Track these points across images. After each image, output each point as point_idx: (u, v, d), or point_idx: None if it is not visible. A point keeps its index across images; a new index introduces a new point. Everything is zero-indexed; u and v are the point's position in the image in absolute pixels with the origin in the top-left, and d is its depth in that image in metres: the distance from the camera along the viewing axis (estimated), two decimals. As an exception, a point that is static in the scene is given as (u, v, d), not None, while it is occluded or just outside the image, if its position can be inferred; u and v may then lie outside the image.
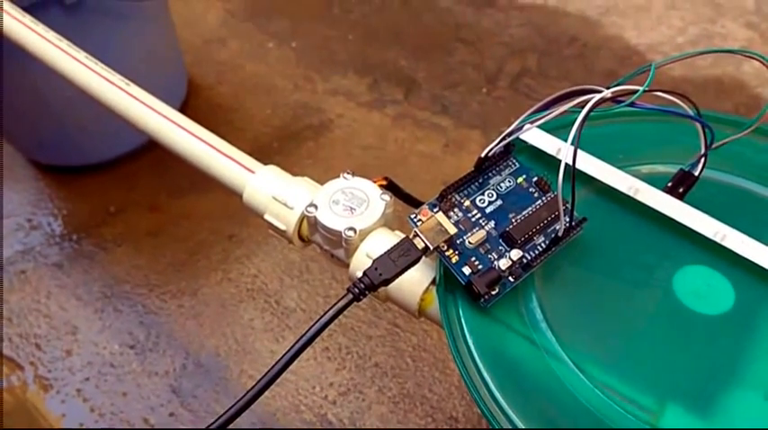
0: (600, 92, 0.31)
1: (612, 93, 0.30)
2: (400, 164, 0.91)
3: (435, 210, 0.30)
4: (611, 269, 0.31)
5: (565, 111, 0.31)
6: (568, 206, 0.31)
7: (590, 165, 0.33)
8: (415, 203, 0.36)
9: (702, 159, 0.31)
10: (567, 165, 0.28)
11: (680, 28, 1.06)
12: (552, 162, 0.34)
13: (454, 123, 0.96)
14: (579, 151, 0.34)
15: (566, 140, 0.35)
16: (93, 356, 0.75)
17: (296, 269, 0.80)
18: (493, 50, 1.05)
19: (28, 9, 0.63)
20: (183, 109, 0.97)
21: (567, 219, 0.30)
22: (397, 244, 0.28)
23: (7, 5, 0.49)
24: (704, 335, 0.28)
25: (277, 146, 0.94)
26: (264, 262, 0.81)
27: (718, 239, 0.30)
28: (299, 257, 0.81)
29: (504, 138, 0.31)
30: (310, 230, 0.33)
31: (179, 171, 0.91)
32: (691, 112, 0.31)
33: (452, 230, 0.29)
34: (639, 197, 0.32)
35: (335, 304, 0.27)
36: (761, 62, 0.33)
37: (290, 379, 0.71)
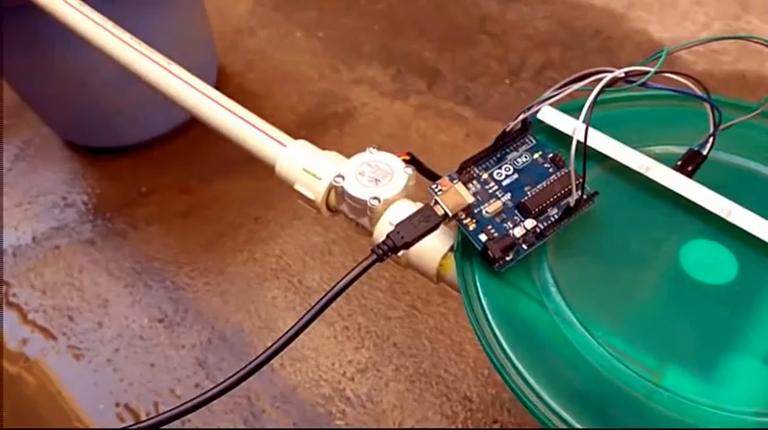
0: (614, 72, 0.32)
1: (626, 72, 0.31)
2: (422, 152, 0.92)
3: (455, 181, 0.32)
4: (621, 241, 0.32)
5: (580, 92, 0.33)
6: (581, 181, 0.33)
7: (604, 143, 0.35)
8: (436, 178, 0.38)
9: (711, 139, 0.32)
10: (578, 141, 0.29)
11: (704, 23, 1.06)
12: (568, 141, 0.36)
13: (476, 114, 0.98)
14: (594, 131, 0.36)
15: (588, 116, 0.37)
16: (123, 329, 0.79)
17: (318, 251, 0.83)
18: (517, 43, 1.06)
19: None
20: (213, 95, 1.00)
21: (579, 193, 0.32)
22: (419, 210, 0.30)
23: None
24: (707, 303, 0.30)
25: (304, 133, 0.96)
26: (288, 243, 0.84)
27: (723, 215, 0.32)
28: (321, 240, 0.84)
29: (522, 116, 0.33)
30: (337, 200, 0.35)
31: (210, 156, 0.94)
32: (703, 94, 0.32)
33: (470, 199, 0.31)
34: (650, 174, 0.34)
35: (360, 263, 0.29)
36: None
37: (311, 355, 0.74)
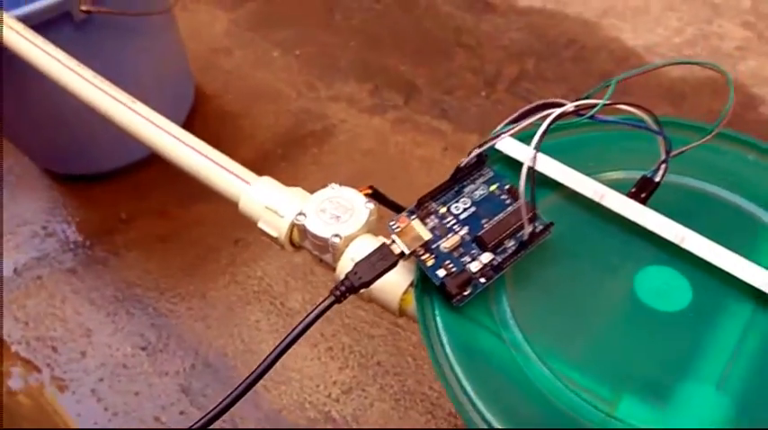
0: (564, 105, 0.33)
1: (575, 107, 0.32)
2: (401, 168, 0.93)
3: (413, 217, 0.33)
4: (577, 270, 0.33)
5: (532, 124, 0.34)
6: (537, 212, 0.33)
7: (560, 172, 0.36)
8: (399, 210, 0.39)
9: (663, 167, 0.33)
10: (536, 172, 0.30)
11: (677, 29, 1.07)
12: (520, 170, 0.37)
13: (453, 127, 0.98)
14: (551, 159, 0.36)
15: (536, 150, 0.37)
16: (107, 358, 0.79)
17: (300, 272, 0.83)
18: (492, 55, 1.07)
19: (40, 26, 0.66)
20: (192, 116, 1.00)
21: (531, 227, 0.33)
22: (376, 249, 0.30)
23: (20, 27, 0.52)
24: (661, 330, 0.30)
25: (282, 152, 0.97)
26: (270, 265, 0.84)
27: (677, 241, 0.32)
28: (302, 260, 0.84)
29: (476, 150, 0.33)
30: (300, 237, 0.35)
31: (187, 179, 0.94)
32: (651, 123, 0.33)
33: (427, 236, 0.31)
34: (605, 202, 0.34)
35: (318, 305, 0.29)
36: (719, 72, 0.35)
37: (295, 377, 0.74)
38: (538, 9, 1.12)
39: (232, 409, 0.30)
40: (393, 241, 0.31)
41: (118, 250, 0.88)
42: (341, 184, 0.36)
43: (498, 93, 1.02)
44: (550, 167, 0.36)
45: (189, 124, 0.99)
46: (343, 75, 1.07)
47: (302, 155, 0.96)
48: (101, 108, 0.43)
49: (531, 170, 0.28)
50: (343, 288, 0.29)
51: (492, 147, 0.37)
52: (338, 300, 0.29)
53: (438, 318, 0.31)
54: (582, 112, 0.32)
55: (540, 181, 0.36)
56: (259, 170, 0.97)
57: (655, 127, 0.32)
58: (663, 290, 0.32)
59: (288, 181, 0.99)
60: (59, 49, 0.48)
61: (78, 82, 0.44)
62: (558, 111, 0.30)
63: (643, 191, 0.34)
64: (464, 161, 0.33)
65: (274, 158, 0.96)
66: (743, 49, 1.04)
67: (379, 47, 1.10)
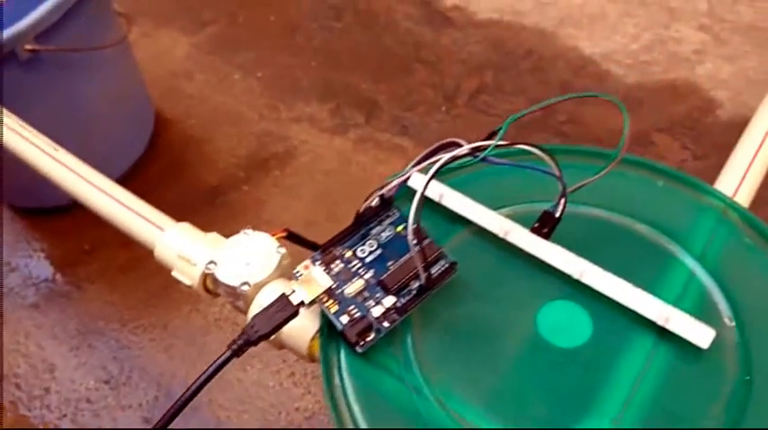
0: (461, 146, 0.33)
1: (469, 149, 0.32)
2: (362, 187, 0.93)
3: (318, 263, 0.33)
4: (482, 308, 0.33)
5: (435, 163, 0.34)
6: (443, 251, 0.34)
7: (468, 208, 0.36)
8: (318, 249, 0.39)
9: (562, 202, 0.33)
10: (446, 208, 0.30)
11: (634, 35, 1.08)
12: (435, 208, 0.37)
13: (414, 143, 0.99)
14: (461, 196, 0.37)
15: (450, 186, 0.38)
16: (71, 393, 0.79)
17: (262, 297, 0.83)
18: (451, 69, 1.07)
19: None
20: (153, 143, 1.00)
21: (443, 263, 0.33)
22: (275, 300, 0.30)
23: None
24: (561, 367, 0.31)
25: (244, 175, 0.97)
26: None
27: (577, 276, 0.33)
28: (264, 285, 0.84)
29: (378, 193, 0.34)
30: (214, 285, 0.36)
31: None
32: (547, 159, 0.33)
33: (328, 283, 0.31)
34: (510, 238, 0.35)
35: (216, 361, 0.29)
36: (614, 103, 0.35)
37: (258, 405, 0.74)
38: (495, 21, 1.13)
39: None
40: (293, 291, 0.31)
41: (80, 283, 0.88)
42: (253, 229, 0.37)
43: (458, 107, 1.02)
44: (459, 204, 0.36)
45: (150, 151, 0.99)
46: (304, 95, 1.07)
47: (264, 177, 0.96)
48: (22, 155, 0.43)
49: (413, 222, 0.29)
50: (240, 342, 0.29)
51: (404, 186, 0.37)
52: (236, 355, 0.29)
53: (344, 365, 0.32)
54: (477, 154, 0.32)
55: (450, 218, 0.37)
56: (222, 194, 0.97)
57: (549, 167, 0.32)
58: (564, 325, 0.32)
59: (251, 204, 0.98)
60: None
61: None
62: (446, 156, 0.30)
63: (545, 226, 0.34)
64: (363, 207, 0.33)
65: (237, 182, 0.96)
66: (700, 52, 1.05)
67: (339, 66, 1.11)
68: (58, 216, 0.95)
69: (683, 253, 0.34)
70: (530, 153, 0.33)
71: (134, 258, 0.89)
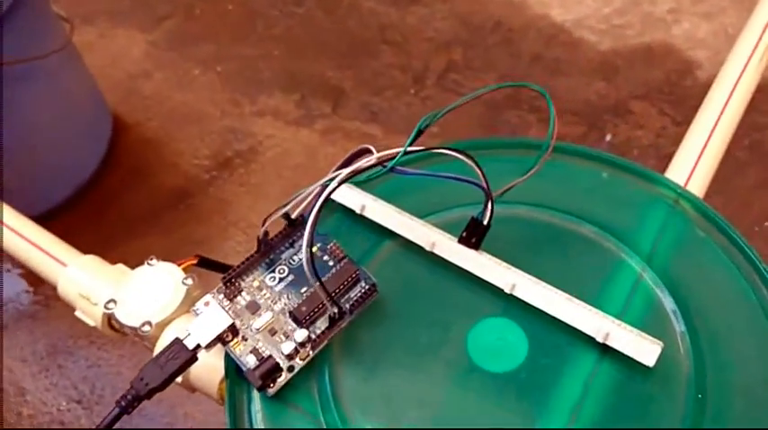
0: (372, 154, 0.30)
1: (377, 159, 0.29)
2: (331, 180, 0.90)
3: (221, 296, 0.30)
4: (408, 332, 0.30)
5: (353, 173, 0.30)
6: (360, 272, 0.30)
7: (392, 219, 0.33)
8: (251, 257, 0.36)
9: (489, 208, 0.30)
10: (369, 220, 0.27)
11: (606, -1, 1.03)
12: (358, 220, 0.34)
13: (384, 130, 0.95)
14: (385, 205, 0.33)
15: (377, 194, 0.34)
16: (43, 415, 0.76)
17: (231, 303, 0.80)
18: (418, 48, 1.03)
19: None
20: (112, 149, 0.97)
21: (362, 285, 0.30)
22: (167, 346, 0.27)
23: None
24: (495, 395, 0.28)
25: (208, 177, 0.93)
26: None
27: (508, 290, 0.29)
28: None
29: (280, 211, 0.30)
30: (119, 324, 0.32)
31: (114, 217, 0.91)
32: (470, 163, 0.29)
33: (228, 322, 0.28)
34: (437, 250, 0.31)
35: (105, 419, 0.26)
36: (536, 91, 0.32)
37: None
38: (463, -7, 1.08)
39: None
40: (188, 334, 0.27)
41: (48, 300, 0.85)
42: (159, 260, 0.33)
43: (427, 88, 0.98)
44: (382, 215, 0.33)
45: (110, 158, 0.96)
46: (267, 87, 1.03)
47: (229, 177, 0.93)
48: None
49: (308, 245, 0.25)
50: (129, 397, 0.26)
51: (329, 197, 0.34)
52: (125, 411, 0.26)
53: (254, 408, 0.28)
54: (385, 163, 0.29)
55: (375, 230, 0.33)
56: (187, 198, 0.92)
57: (470, 173, 0.29)
58: (497, 346, 0.29)
59: (216, 207, 0.94)
60: None
61: None
62: (346, 171, 0.27)
63: (473, 235, 0.30)
64: (263, 229, 0.30)
65: (201, 184, 0.93)
66: (675, 11, 1.00)
67: (303, 54, 1.06)
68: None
69: (630, 254, 0.31)
70: (448, 156, 0.29)
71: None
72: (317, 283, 0.26)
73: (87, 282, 0.33)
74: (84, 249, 0.93)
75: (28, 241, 0.36)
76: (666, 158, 0.37)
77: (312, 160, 0.93)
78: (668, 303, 0.29)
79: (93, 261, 0.35)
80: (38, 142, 0.83)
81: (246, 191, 0.91)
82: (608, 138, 0.88)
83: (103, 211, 0.92)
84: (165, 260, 0.91)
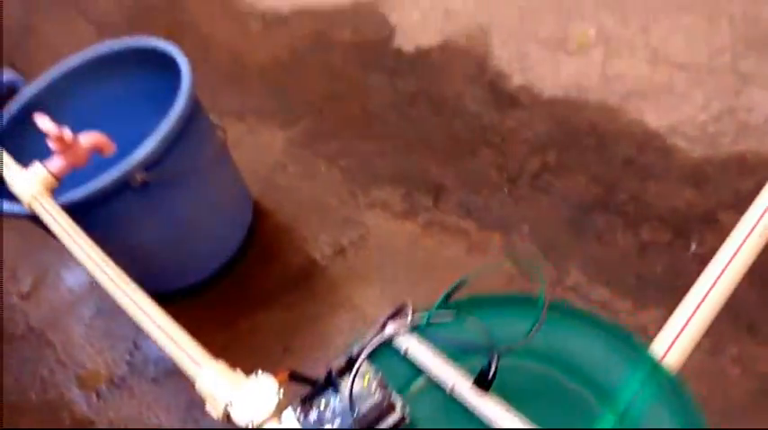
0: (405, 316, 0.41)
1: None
2: (428, 270, 1.02)
3: (297, 412, 0.42)
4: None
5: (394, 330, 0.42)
6: (394, 402, 0.41)
7: (425, 361, 0.43)
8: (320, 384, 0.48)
9: (494, 362, 0.40)
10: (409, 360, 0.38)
11: (702, 105, 1.07)
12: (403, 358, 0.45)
13: (477, 226, 1.05)
14: (423, 348, 0.44)
15: (425, 336, 0.45)
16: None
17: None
18: (515, 149, 1.13)
19: (104, 196, 0.84)
20: (251, 234, 1.16)
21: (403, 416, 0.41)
22: (258, 446, 0.40)
23: (53, 209, 0.68)
24: None
25: (324, 262, 1.09)
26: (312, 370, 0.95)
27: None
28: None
29: (346, 356, 0.42)
30: (234, 420, 0.46)
31: (248, 292, 1.09)
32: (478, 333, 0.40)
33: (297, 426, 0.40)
34: (454, 393, 0.41)
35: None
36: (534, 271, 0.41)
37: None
38: (561, 99, 1.17)
39: None
40: (272, 434, 0.40)
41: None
42: (263, 371, 0.47)
43: (520, 188, 1.08)
44: (420, 357, 0.44)
45: (248, 241, 1.14)
46: (379, 181, 1.18)
47: (341, 262, 1.08)
48: (102, 285, 0.57)
49: (350, 386, 0.37)
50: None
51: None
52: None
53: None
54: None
55: (415, 366, 0.44)
56: (306, 279, 1.06)
57: (480, 338, 0.39)
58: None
59: (328, 288, 1.06)
60: (79, 231, 0.63)
61: (88, 263, 0.59)
62: (369, 346, 0.38)
63: (482, 381, 0.40)
64: (333, 365, 0.42)
65: (318, 267, 1.08)
66: (774, 119, 1.02)
67: (412, 150, 1.20)
68: (169, 303, 1.13)
69: (606, 412, 0.39)
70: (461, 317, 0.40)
71: (231, 338, 1.04)
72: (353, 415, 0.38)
73: (215, 384, 0.47)
74: (223, 320, 1.11)
75: (176, 344, 0.51)
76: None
77: (412, 251, 1.05)
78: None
79: (218, 367, 0.49)
80: (191, 232, 1.03)
81: (354, 275, 1.05)
82: (693, 247, 0.92)
83: (240, 287, 1.10)
84: (281, 332, 1.06)
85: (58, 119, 0.79)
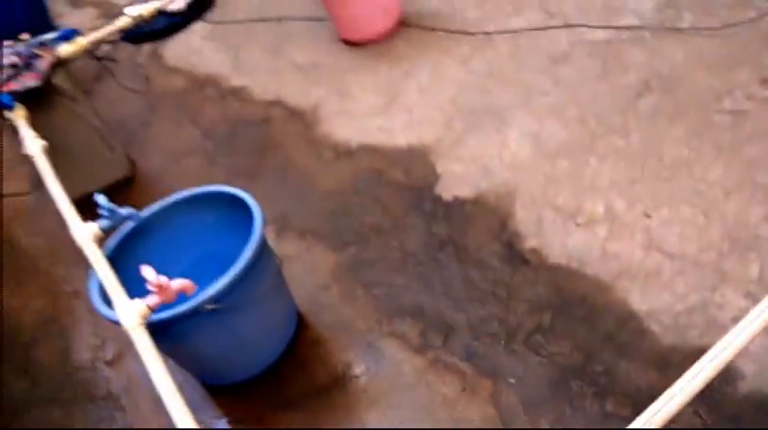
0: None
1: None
2: (425, 408, 1.23)
3: None
4: None
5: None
6: None
7: None
8: None
9: None
10: None
11: (682, 295, 1.24)
12: None
13: (474, 371, 1.26)
14: None
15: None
16: None
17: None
18: (518, 306, 1.33)
19: (180, 320, 1.12)
20: (293, 341, 1.41)
21: None
22: None
23: (143, 337, 0.96)
24: None
25: (344, 381, 1.32)
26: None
27: None
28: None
29: None
30: None
31: (282, 395, 1.33)
32: None
33: None
34: None
35: None
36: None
37: None
38: (564, 266, 1.37)
39: None
40: None
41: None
42: None
43: (515, 343, 1.27)
44: None
45: (289, 348, 1.39)
46: (402, 313, 1.40)
47: (358, 391, 1.30)
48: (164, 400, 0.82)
49: None
50: None
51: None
52: None
53: None
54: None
55: None
56: (328, 392, 1.30)
57: None
58: None
59: (341, 409, 1.29)
60: (155, 353, 0.89)
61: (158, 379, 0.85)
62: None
63: None
64: None
65: (338, 384, 1.32)
66: (738, 319, 1.17)
67: (433, 290, 1.43)
68: (233, 393, 1.38)
69: None
70: None
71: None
72: None
73: None
74: (261, 417, 1.37)
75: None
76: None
77: (417, 386, 1.27)
78: None
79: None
80: (245, 346, 1.30)
81: (363, 402, 1.28)
82: (643, 426, 1.08)
83: (275, 390, 1.35)
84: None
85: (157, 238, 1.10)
